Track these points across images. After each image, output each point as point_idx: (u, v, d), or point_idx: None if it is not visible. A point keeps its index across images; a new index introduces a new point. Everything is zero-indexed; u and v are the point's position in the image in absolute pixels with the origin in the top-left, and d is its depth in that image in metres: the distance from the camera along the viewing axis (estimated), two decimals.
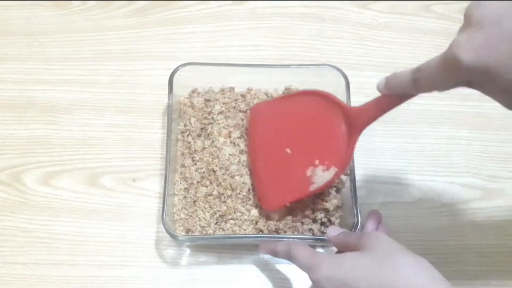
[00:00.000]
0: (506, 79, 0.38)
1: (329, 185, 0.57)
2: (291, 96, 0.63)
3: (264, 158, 0.61)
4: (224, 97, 0.67)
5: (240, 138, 0.64)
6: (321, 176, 0.57)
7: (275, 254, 0.55)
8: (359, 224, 0.56)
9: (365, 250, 0.47)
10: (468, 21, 0.39)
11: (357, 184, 0.59)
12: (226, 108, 0.66)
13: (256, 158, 0.62)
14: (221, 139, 0.64)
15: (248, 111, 0.65)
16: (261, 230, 0.59)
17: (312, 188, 0.57)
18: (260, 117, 0.64)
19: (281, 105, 0.63)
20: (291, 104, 0.62)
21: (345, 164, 0.56)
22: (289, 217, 0.59)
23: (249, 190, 0.61)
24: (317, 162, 0.57)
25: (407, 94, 0.49)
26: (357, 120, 0.55)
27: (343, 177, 0.61)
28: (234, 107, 0.66)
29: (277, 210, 0.59)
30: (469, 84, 0.41)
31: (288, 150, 0.60)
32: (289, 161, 0.59)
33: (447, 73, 0.40)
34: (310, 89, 0.61)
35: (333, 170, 0.56)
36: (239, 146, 0.64)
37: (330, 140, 0.57)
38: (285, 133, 0.61)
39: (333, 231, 0.53)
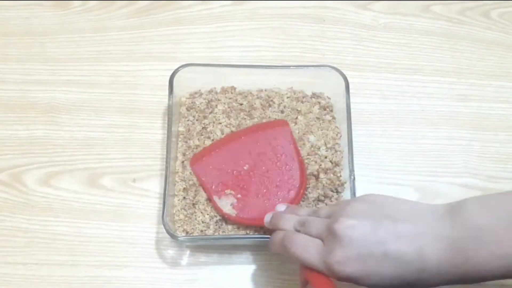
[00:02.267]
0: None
1: (220, 214, 0.59)
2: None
3: (229, 148, 0.63)
4: (226, 97, 0.67)
5: None
6: (225, 203, 0.60)
7: (283, 247, 0.50)
8: None
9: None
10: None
11: (356, 184, 0.59)
12: (228, 107, 0.66)
13: (227, 139, 0.64)
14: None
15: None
16: (264, 232, 0.59)
17: (214, 203, 0.60)
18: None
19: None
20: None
21: (239, 223, 0.59)
22: None
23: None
24: (239, 196, 0.60)
25: None
26: None
27: (342, 178, 0.62)
28: (236, 107, 0.66)
29: (192, 169, 0.61)
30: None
31: (246, 167, 0.62)
32: (235, 170, 0.62)
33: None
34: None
35: (233, 213, 0.59)
36: None
37: (268, 199, 0.60)
38: (258, 156, 0.63)
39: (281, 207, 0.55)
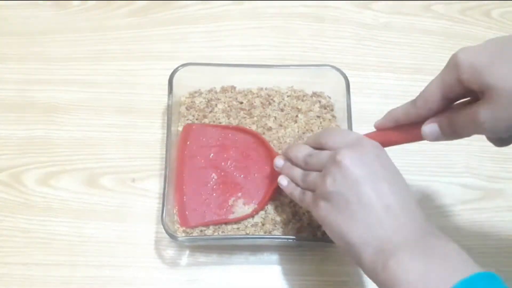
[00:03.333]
0: None
1: (247, 218, 0.59)
2: (229, 128, 0.64)
3: (191, 176, 0.62)
4: (226, 96, 0.67)
5: None
6: (241, 208, 0.60)
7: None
8: None
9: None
10: None
11: None
12: (228, 106, 0.66)
13: (182, 175, 0.62)
14: None
15: (182, 127, 0.64)
16: (265, 232, 0.59)
17: (232, 217, 0.59)
18: (195, 137, 0.64)
19: (219, 133, 0.64)
20: (229, 135, 0.64)
21: (263, 204, 0.59)
22: (293, 220, 0.59)
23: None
24: (240, 194, 0.61)
25: None
26: None
27: None
28: (235, 106, 0.66)
29: (192, 227, 0.59)
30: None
31: (216, 176, 0.62)
32: (215, 186, 0.61)
33: None
34: (249, 129, 0.64)
35: (253, 206, 0.60)
36: None
37: (256, 177, 0.61)
38: (217, 160, 0.63)
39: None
